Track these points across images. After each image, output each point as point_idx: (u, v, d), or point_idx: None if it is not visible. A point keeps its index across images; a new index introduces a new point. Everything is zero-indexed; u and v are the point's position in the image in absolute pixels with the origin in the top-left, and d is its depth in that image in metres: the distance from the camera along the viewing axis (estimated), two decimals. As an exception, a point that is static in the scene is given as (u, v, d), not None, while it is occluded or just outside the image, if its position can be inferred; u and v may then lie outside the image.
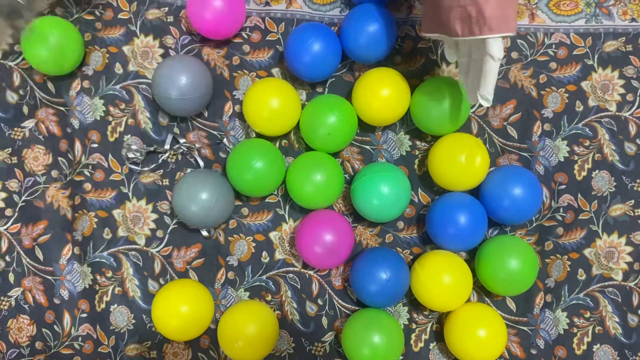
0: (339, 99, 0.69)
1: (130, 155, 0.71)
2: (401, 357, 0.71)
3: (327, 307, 0.72)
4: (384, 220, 0.69)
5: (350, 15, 0.69)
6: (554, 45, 0.74)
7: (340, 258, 0.67)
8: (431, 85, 0.68)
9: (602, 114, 0.73)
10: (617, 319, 0.71)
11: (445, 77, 0.70)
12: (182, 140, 0.72)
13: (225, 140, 0.73)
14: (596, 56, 0.74)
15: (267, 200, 0.73)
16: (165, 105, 0.67)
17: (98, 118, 0.73)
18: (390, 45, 0.69)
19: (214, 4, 0.67)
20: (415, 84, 0.72)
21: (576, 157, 0.73)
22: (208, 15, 0.67)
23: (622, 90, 0.73)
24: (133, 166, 0.72)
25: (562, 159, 0.73)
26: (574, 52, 0.74)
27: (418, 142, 0.74)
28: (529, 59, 0.73)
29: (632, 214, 0.72)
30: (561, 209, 0.72)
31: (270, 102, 0.67)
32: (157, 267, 0.72)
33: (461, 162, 0.66)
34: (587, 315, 0.71)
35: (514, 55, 0.73)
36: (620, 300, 0.71)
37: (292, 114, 0.69)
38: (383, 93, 0.67)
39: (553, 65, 0.73)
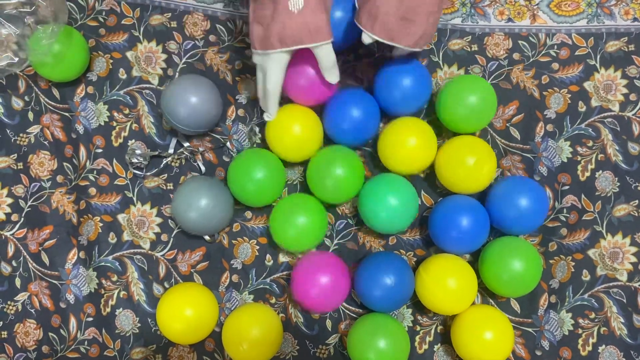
0: (350, 152, 0.69)
1: (134, 160, 0.72)
2: None
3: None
4: (392, 232, 0.69)
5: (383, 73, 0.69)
6: (555, 46, 0.74)
7: (337, 302, 0.67)
8: (459, 83, 0.68)
9: (605, 114, 0.73)
10: (622, 320, 0.71)
11: (473, 76, 0.70)
12: (185, 144, 0.72)
13: (228, 144, 0.73)
14: (598, 56, 0.74)
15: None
16: (175, 125, 0.68)
17: (102, 123, 0.73)
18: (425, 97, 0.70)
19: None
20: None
21: (579, 158, 0.73)
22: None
23: (624, 90, 0.73)
24: (137, 171, 0.72)
25: (565, 160, 0.73)
26: (576, 53, 0.73)
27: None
28: (531, 59, 0.73)
29: (636, 214, 0.72)
30: (565, 210, 0.72)
31: (294, 129, 0.67)
32: (162, 271, 0.72)
33: (469, 164, 0.66)
34: (592, 316, 0.71)
35: (516, 56, 0.73)
36: (625, 300, 0.71)
37: (314, 142, 0.69)
38: (410, 143, 0.66)
39: (555, 65, 0.73)
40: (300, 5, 0.56)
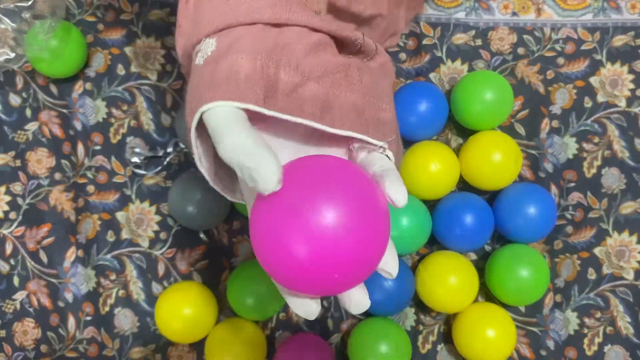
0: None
1: (134, 159, 0.71)
2: None
3: (332, 309, 0.71)
4: (403, 253, 0.68)
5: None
6: (561, 41, 0.72)
7: None
8: (474, 78, 0.67)
9: (612, 109, 0.72)
10: (628, 319, 0.70)
11: (488, 72, 0.70)
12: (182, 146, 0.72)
13: None
14: (605, 51, 0.72)
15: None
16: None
17: (100, 120, 0.72)
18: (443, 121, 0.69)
19: None
20: (421, 80, 0.72)
21: (585, 154, 0.71)
22: None
23: (631, 86, 0.72)
24: (137, 170, 0.71)
25: (570, 157, 0.71)
26: (582, 47, 0.72)
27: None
28: (536, 54, 0.72)
29: (643, 212, 0.71)
30: (570, 207, 0.71)
31: None
32: (161, 270, 0.71)
33: (496, 161, 0.65)
34: (598, 315, 0.70)
35: (521, 51, 0.72)
36: (631, 299, 0.70)
37: None
38: (432, 168, 0.66)
39: (561, 60, 0.72)
40: None
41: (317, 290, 0.32)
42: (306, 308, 0.35)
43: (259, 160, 0.30)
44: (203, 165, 0.39)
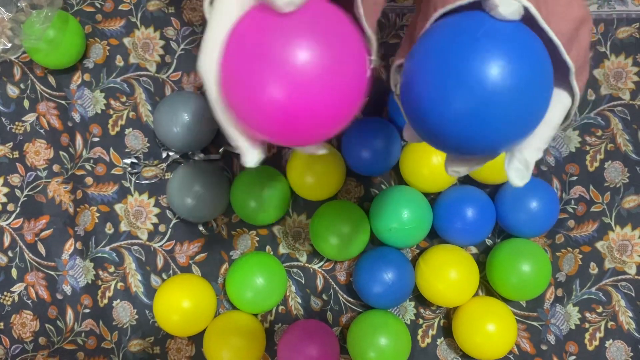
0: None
1: (126, 160, 0.71)
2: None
3: (332, 302, 0.71)
4: (403, 246, 0.68)
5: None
6: (564, 32, 0.71)
7: None
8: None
9: (615, 102, 0.71)
10: (630, 314, 0.69)
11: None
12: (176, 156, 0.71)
13: (221, 150, 0.71)
14: (609, 43, 0.71)
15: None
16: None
17: (99, 111, 0.72)
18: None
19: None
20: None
21: (588, 148, 0.71)
22: None
23: (635, 78, 0.71)
24: (133, 169, 0.71)
25: (573, 150, 0.71)
26: (586, 39, 0.71)
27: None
28: (539, 46, 0.71)
29: (646, 206, 0.70)
30: (572, 201, 0.70)
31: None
32: (160, 262, 0.71)
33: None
34: (600, 310, 0.69)
35: (523, 43, 0.71)
36: (633, 294, 0.69)
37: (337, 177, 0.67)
38: (434, 160, 0.65)
39: (564, 52, 0.71)
40: None
41: (286, 134, 0.32)
42: (252, 155, 0.35)
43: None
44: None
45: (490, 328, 0.63)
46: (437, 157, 0.65)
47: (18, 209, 0.71)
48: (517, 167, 0.34)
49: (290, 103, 0.30)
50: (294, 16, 0.30)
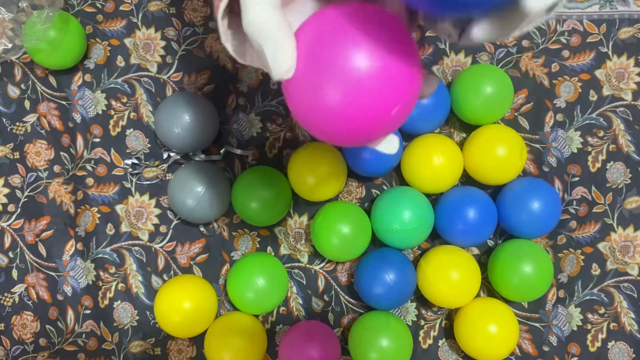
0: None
1: (132, 170, 0.70)
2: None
3: (333, 303, 0.70)
4: (405, 247, 0.68)
5: None
6: (566, 33, 0.71)
7: None
8: (472, 73, 0.67)
9: (617, 103, 0.71)
10: (632, 315, 0.69)
11: (487, 65, 0.69)
12: (178, 156, 0.71)
13: (222, 151, 0.71)
14: (611, 43, 0.71)
15: (271, 194, 0.71)
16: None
17: (100, 112, 0.72)
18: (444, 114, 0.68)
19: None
20: (424, 74, 0.71)
21: (590, 148, 0.70)
22: None
23: (638, 79, 0.71)
24: (133, 170, 0.71)
25: (575, 150, 0.70)
26: (588, 40, 0.71)
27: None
28: (541, 47, 0.71)
29: (648, 207, 0.70)
30: (574, 202, 0.70)
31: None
32: (161, 263, 0.71)
33: (501, 155, 0.64)
34: (602, 311, 0.69)
35: (525, 43, 0.71)
36: (636, 295, 0.69)
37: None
38: (435, 161, 0.65)
39: (566, 53, 0.71)
40: None
41: (354, 136, 0.33)
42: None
43: (274, 46, 0.31)
44: (223, 24, 0.36)
45: (492, 329, 0.63)
46: (438, 158, 0.65)
47: (19, 209, 0.71)
48: None
49: (349, 109, 0.31)
50: (352, 23, 0.31)
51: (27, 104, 0.72)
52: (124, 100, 0.72)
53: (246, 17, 0.32)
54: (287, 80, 0.33)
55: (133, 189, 0.71)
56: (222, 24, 0.36)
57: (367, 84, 0.30)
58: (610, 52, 0.71)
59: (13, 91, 0.72)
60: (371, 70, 0.30)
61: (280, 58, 0.31)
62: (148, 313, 0.70)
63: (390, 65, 0.31)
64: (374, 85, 0.31)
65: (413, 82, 0.33)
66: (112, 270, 0.71)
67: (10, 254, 0.71)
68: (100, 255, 0.71)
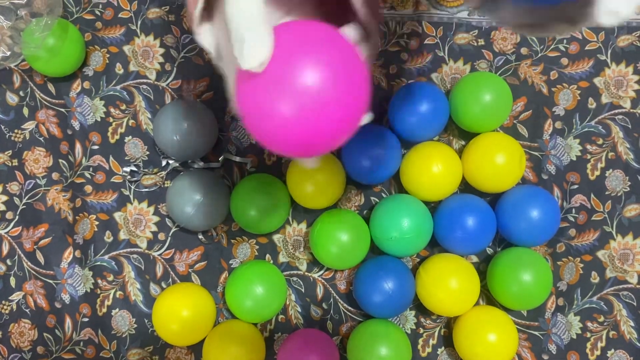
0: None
1: (131, 178, 0.70)
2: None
3: (332, 311, 0.70)
4: (403, 255, 0.68)
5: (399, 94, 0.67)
6: (565, 41, 0.71)
7: None
8: (471, 80, 0.67)
9: (616, 111, 0.71)
10: (632, 324, 0.69)
11: (485, 73, 0.69)
12: (176, 164, 0.71)
13: (221, 158, 0.71)
14: (609, 51, 0.71)
15: (270, 202, 0.71)
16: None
17: (99, 119, 0.72)
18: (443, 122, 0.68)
19: None
20: (422, 80, 0.71)
21: (589, 156, 0.70)
22: None
23: (636, 87, 0.71)
24: (132, 178, 0.71)
25: (574, 158, 0.70)
26: (586, 48, 0.71)
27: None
28: (539, 54, 0.71)
29: (647, 215, 0.70)
30: (573, 210, 0.70)
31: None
32: (159, 271, 0.71)
33: (500, 163, 0.64)
34: (601, 319, 0.69)
35: (524, 51, 0.71)
36: (635, 304, 0.69)
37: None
38: (434, 169, 0.65)
39: (564, 61, 0.71)
40: None
41: (301, 149, 0.35)
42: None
43: (257, 36, 0.33)
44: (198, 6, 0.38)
45: (491, 338, 0.63)
46: (437, 166, 0.65)
47: (17, 217, 0.71)
48: None
49: (298, 123, 0.33)
50: (295, 43, 0.33)
51: (25, 111, 0.72)
52: (123, 107, 0.72)
53: (235, 3, 0.33)
54: (245, 82, 0.34)
55: (131, 197, 0.71)
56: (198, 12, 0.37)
57: (314, 99, 0.32)
58: (609, 60, 0.71)
59: (12, 98, 0.72)
60: (318, 87, 0.32)
61: (260, 48, 0.33)
62: (146, 321, 0.70)
63: (337, 81, 0.33)
64: (320, 100, 0.32)
65: (358, 100, 0.35)
66: (110, 278, 0.70)
67: (8, 262, 0.71)
68: (99, 263, 0.70)
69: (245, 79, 0.34)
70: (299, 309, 0.70)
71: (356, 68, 0.35)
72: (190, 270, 0.71)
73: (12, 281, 0.71)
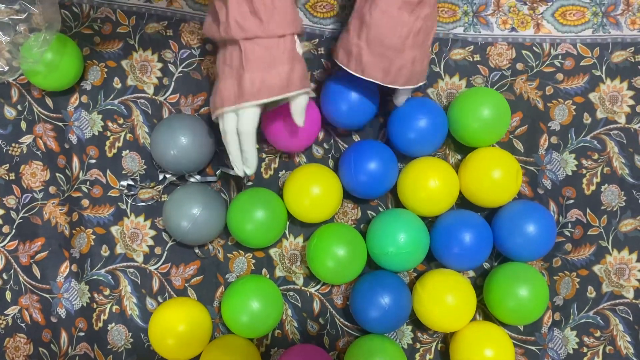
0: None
1: (128, 191, 0.70)
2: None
3: (328, 326, 0.70)
4: (400, 270, 0.68)
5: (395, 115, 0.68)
6: (560, 56, 0.72)
7: None
8: (471, 95, 0.67)
9: (611, 126, 0.71)
10: (628, 339, 0.69)
11: (485, 89, 0.69)
12: (172, 177, 0.71)
13: (218, 172, 0.71)
14: (604, 67, 0.72)
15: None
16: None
17: (96, 133, 0.72)
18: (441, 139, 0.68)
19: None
20: (418, 96, 0.71)
21: (584, 171, 0.71)
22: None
23: (631, 102, 0.71)
24: (129, 192, 0.71)
25: (570, 173, 0.71)
26: (581, 63, 0.72)
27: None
28: (535, 70, 0.72)
29: (643, 229, 0.70)
30: (569, 225, 0.70)
31: (312, 190, 0.65)
32: (156, 285, 0.70)
33: (497, 178, 0.64)
34: (597, 334, 0.69)
35: (519, 66, 0.72)
36: (631, 318, 0.69)
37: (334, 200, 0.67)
38: (431, 184, 0.65)
39: (560, 76, 0.72)
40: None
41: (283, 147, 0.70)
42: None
43: (235, 159, 0.60)
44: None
45: (488, 353, 0.63)
46: (434, 181, 0.65)
47: (13, 230, 0.71)
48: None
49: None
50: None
51: (23, 125, 0.72)
52: (120, 121, 0.72)
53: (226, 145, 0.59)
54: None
55: (128, 210, 0.71)
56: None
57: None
58: (603, 76, 0.72)
59: (9, 112, 0.72)
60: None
61: (242, 172, 0.60)
62: (142, 335, 0.70)
63: None
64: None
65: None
66: (107, 292, 0.70)
67: (4, 276, 0.70)
68: (95, 277, 0.70)
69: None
70: (296, 324, 0.70)
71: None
72: (186, 284, 0.70)
73: (8, 295, 0.70)
